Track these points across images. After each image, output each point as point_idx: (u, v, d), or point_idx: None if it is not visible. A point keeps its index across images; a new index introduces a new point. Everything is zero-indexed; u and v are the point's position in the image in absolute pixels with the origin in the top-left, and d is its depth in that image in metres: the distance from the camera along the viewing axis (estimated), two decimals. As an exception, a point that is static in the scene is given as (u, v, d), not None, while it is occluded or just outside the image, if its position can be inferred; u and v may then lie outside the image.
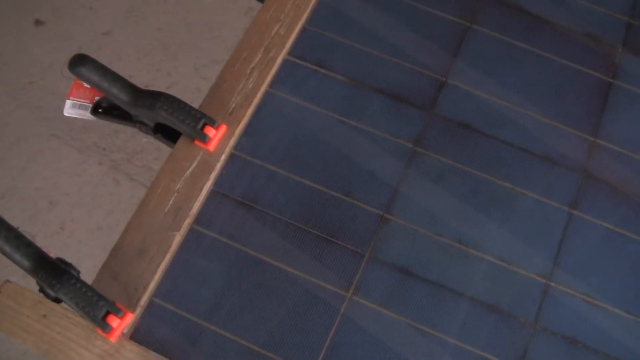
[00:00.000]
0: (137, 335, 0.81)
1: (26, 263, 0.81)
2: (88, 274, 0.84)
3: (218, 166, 0.88)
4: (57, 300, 0.83)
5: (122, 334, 0.80)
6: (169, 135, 0.92)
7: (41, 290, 0.83)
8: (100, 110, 0.98)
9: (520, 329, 0.81)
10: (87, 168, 1.73)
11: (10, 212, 1.51)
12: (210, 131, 0.86)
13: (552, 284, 0.83)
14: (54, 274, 0.80)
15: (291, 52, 0.95)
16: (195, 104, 0.88)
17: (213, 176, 0.88)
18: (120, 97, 0.88)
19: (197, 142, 0.88)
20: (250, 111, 0.90)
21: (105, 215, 1.61)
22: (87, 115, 1.00)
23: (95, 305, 0.78)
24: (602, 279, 0.84)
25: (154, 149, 1.66)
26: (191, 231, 0.85)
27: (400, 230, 0.85)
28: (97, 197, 1.69)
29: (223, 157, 0.88)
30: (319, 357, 0.79)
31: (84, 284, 0.79)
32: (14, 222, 0.83)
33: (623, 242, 0.85)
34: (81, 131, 1.74)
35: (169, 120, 0.86)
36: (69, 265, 0.83)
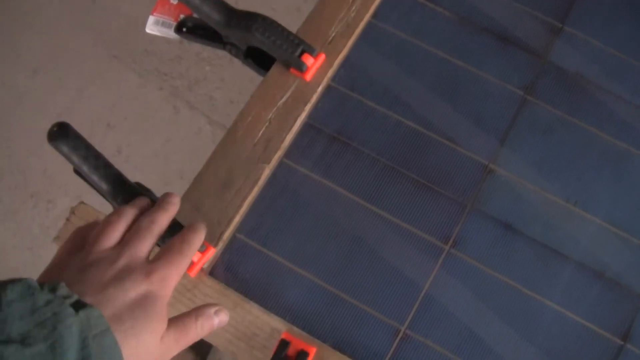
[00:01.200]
0: (217, 271, 0.76)
1: (104, 186, 0.76)
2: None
3: (314, 97, 0.82)
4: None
5: (202, 269, 0.75)
6: (260, 61, 0.86)
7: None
8: (185, 29, 0.92)
9: (627, 300, 0.75)
10: (146, 93, 1.67)
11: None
12: (308, 59, 0.79)
13: (665, 253, 0.76)
14: (132, 197, 0.74)
15: (396, -18, 0.88)
16: (293, 28, 0.82)
17: (308, 108, 0.81)
18: (212, 15, 0.81)
19: (292, 71, 0.81)
20: (351, 42, 0.84)
21: (163, 142, 1.55)
22: (170, 33, 0.93)
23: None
24: None
25: (217, 78, 1.59)
26: (281, 165, 0.80)
27: (505, 183, 0.79)
28: (155, 123, 1.63)
29: (320, 88, 0.82)
30: (412, 309, 0.74)
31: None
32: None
33: None
34: (143, 55, 1.68)
35: (264, 44, 0.79)
36: (148, 190, 0.78)
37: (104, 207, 0.79)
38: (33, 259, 1.61)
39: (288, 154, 0.80)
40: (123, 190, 0.75)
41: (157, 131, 1.64)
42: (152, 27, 0.93)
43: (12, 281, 0.49)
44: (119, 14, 1.71)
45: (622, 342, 0.74)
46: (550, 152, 0.80)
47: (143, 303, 0.55)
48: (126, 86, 1.66)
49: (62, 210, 1.62)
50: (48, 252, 1.61)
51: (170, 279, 0.57)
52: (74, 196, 1.59)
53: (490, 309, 0.74)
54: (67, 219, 0.79)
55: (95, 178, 0.76)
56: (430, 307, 0.74)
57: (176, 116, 1.65)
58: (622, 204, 0.79)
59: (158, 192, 0.74)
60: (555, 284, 0.75)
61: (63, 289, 0.51)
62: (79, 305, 0.51)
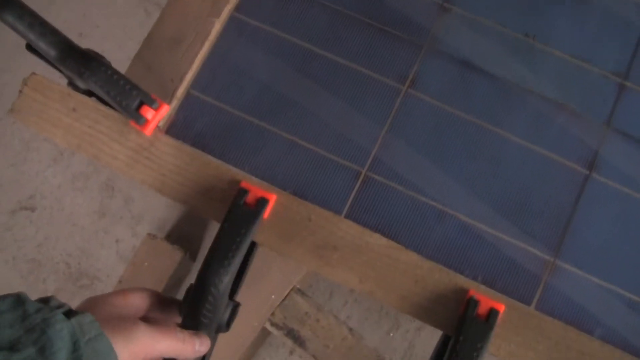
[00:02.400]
0: (173, 129, 0.75)
1: (52, 52, 0.74)
2: (120, 70, 0.76)
3: (260, -51, 0.79)
4: (88, 94, 0.76)
5: (157, 127, 0.74)
6: None
7: (70, 83, 0.77)
8: None
9: (591, 130, 0.74)
10: (116, 0, 1.64)
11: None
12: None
13: (628, 83, 0.75)
14: (83, 61, 0.73)
15: None
16: None
17: (255, -40, 0.79)
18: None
19: None
20: None
21: (136, 46, 1.52)
22: None
23: (128, 95, 0.71)
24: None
25: (186, -23, 1.56)
26: (232, 19, 0.78)
27: (462, 20, 0.77)
28: (127, 29, 1.61)
29: (265, -61, 0.79)
30: (373, 151, 0.73)
31: (115, 71, 0.72)
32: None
33: None
34: (110, -40, 1.64)
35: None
36: (99, 55, 0.76)
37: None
38: (17, 175, 1.61)
39: (238, 7, 0.78)
40: (72, 54, 0.73)
41: (130, 36, 1.61)
42: None
43: (4, 296, 0.51)
44: None
45: (587, 172, 0.73)
46: (508, -11, 0.78)
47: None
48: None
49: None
50: (31, 168, 1.60)
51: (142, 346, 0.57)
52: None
53: (453, 145, 0.73)
54: (20, 91, 0.77)
55: (42, 45, 0.74)
56: (390, 148, 0.73)
57: (148, 19, 1.62)
58: (584, 35, 0.77)
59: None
60: (517, 118, 0.74)
61: (54, 301, 0.52)
62: (71, 313, 0.52)
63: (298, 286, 1.28)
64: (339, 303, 1.45)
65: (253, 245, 0.72)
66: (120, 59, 1.53)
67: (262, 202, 0.69)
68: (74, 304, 0.57)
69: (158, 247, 1.42)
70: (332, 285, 1.46)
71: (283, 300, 1.25)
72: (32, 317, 0.50)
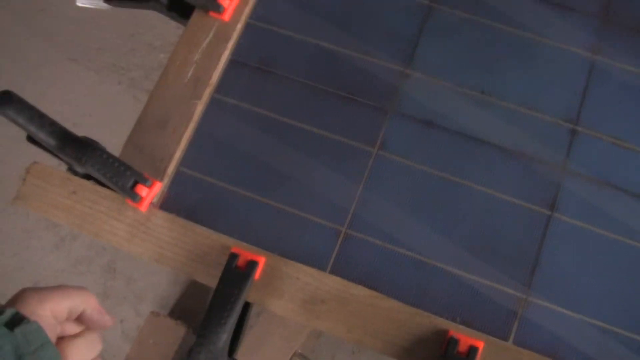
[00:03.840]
0: (166, 204, 0.81)
1: (52, 141, 0.81)
2: (113, 153, 0.83)
3: (234, 35, 0.87)
4: (87, 177, 0.83)
5: (152, 203, 0.81)
6: (183, 12, 0.91)
7: (69, 168, 0.84)
8: (112, -3, 0.97)
9: (549, 173, 0.80)
10: (106, 88, 1.73)
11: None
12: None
13: (579, 128, 0.82)
14: (80, 148, 0.80)
15: None
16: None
17: (230, 45, 0.87)
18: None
19: (211, 13, 0.87)
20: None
21: (127, 130, 1.60)
22: (100, 4, 0.99)
23: (123, 175, 0.78)
24: (630, 122, 0.83)
25: (171, 63, 1.65)
26: (212, 100, 0.85)
27: (421, 84, 0.84)
28: (118, 115, 1.69)
29: (239, 26, 0.87)
30: (350, 210, 0.79)
31: (110, 155, 0.79)
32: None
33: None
34: (97, 53, 1.74)
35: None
36: (94, 141, 0.83)
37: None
38: (20, 263, 1.66)
39: (217, 89, 0.85)
40: (70, 142, 0.80)
41: (122, 121, 1.69)
42: (82, 0, 0.99)
43: None
44: (68, 18, 1.77)
45: (549, 212, 0.79)
46: (461, 51, 0.86)
47: None
48: (86, 85, 1.72)
49: (39, 216, 1.67)
50: (34, 255, 1.66)
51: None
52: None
53: (423, 199, 0.80)
54: (24, 180, 0.84)
55: (42, 136, 0.81)
56: (367, 205, 0.80)
57: (137, 105, 1.70)
58: (533, 87, 0.84)
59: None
60: (479, 168, 0.81)
61: None
62: (15, 322, 0.50)
63: (300, 351, 1.33)
64: (341, 362, 1.49)
65: (247, 305, 0.78)
66: (113, 144, 1.61)
67: (252, 265, 0.75)
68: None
69: (162, 324, 1.47)
70: (334, 349, 1.51)
71: (286, 365, 1.29)
72: None
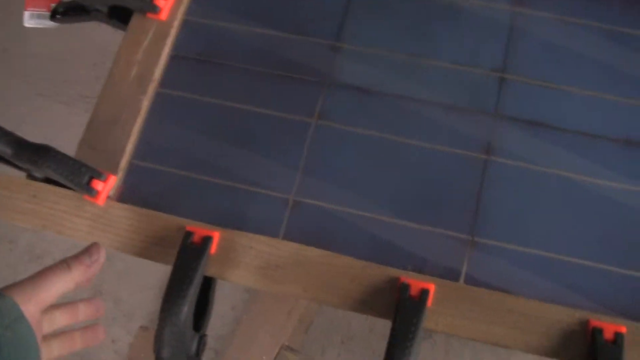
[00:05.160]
0: (122, 195, 0.85)
1: (9, 150, 0.85)
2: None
3: (173, 32, 0.91)
4: (46, 181, 0.87)
5: (109, 197, 0.84)
6: (124, 18, 0.95)
7: (28, 175, 0.87)
8: (58, 15, 1.02)
9: (482, 121, 0.84)
10: (77, 119, 1.77)
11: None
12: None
13: (507, 75, 0.86)
14: (35, 152, 0.83)
15: None
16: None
17: (169, 42, 0.91)
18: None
19: (149, 15, 0.91)
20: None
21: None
22: (47, 23, 1.03)
23: (78, 172, 0.82)
24: (556, 66, 0.87)
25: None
26: (157, 94, 0.89)
27: (355, 55, 0.88)
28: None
29: (176, 23, 0.92)
30: (296, 178, 0.83)
31: (65, 155, 0.83)
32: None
33: (572, 30, 0.88)
34: (63, 85, 1.78)
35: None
36: (48, 146, 0.87)
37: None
38: None
39: (161, 84, 0.90)
40: (25, 148, 0.84)
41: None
42: (29, 21, 1.03)
43: None
44: (32, 55, 1.82)
45: (485, 156, 0.83)
46: (388, 20, 0.90)
47: None
48: (57, 117, 1.76)
49: (25, 246, 1.70)
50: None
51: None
52: (34, 231, 1.68)
53: (365, 161, 0.83)
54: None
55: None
56: (312, 173, 0.83)
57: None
58: (462, 44, 0.88)
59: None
60: (417, 126, 0.85)
61: None
62: None
63: (288, 344, 1.35)
64: (332, 356, 1.52)
65: (210, 281, 0.81)
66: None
67: (206, 240, 0.79)
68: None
69: (152, 337, 1.49)
70: (323, 342, 1.53)
71: (274, 359, 1.32)
72: None
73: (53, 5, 1.02)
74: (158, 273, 1.58)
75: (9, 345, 0.48)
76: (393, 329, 0.72)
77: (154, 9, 0.90)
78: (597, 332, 0.72)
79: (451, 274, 0.78)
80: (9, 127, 0.82)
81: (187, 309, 0.74)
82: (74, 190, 0.83)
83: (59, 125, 1.78)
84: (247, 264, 0.79)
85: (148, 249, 0.82)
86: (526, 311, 0.75)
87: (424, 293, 0.75)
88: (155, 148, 0.87)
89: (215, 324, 1.50)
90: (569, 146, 0.83)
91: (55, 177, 0.83)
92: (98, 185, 0.82)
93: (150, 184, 0.85)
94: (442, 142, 0.84)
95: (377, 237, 0.80)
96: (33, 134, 1.76)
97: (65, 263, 0.67)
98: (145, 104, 0.88)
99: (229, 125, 0.87)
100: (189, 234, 0.79)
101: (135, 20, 0.92)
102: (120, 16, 0.96)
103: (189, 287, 0.75)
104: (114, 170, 0.85)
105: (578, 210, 0.80)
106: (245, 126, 0.86)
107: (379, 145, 0.84)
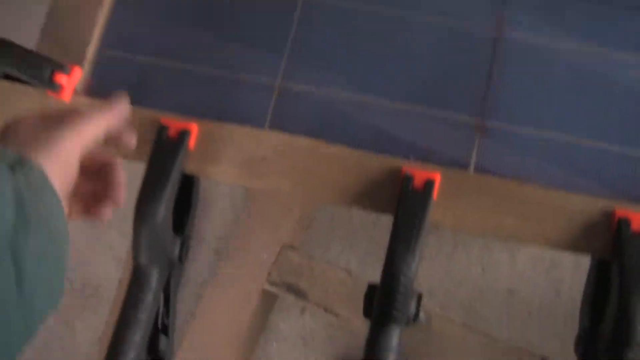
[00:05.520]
0: (90, 89, 0.76)
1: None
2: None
3: None
4: (6, 77, 0.78)
5: (75, 91, 0.75)
6: None
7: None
8: None
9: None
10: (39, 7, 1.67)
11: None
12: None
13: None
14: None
15: None
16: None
17: None
18: None
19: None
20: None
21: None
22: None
23: (39, 66, 0.73)
24: None
25: None
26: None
27: None
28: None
29: None
30: (282, 63, 0.74)
31: (23, 48, 0.74)
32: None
33: None
34: None
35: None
36: (6, 39, 0.77)
37: None
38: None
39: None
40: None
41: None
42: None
43: None
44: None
45: (496, 33, 0.73)
46: None
47: None
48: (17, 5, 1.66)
49: None
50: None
51: None
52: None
53: (358, 39, 0.74)
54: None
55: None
56: (300, 56, 0.74)
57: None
58: None
59: None
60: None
61: None
62: (17, 165, 0.47)
63: (290, 242, 1.29)
64: (336, 252, 1.46)
65: (191, 180, 0.73)
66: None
67: (184, 133, 0.70)
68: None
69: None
70: (327, 238, 1.47)
71: (276, 258, 1.26)
72: None
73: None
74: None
75: (36, 213, 0.45)
76: (395, 225, 0.65)
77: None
78: (624, 223, 0.64)
79: (459, 163, 0.70)
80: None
81: (163, 209, 0.67)
82: (35, 86, 0.74)
83: (21, 14, 1.67)
84: (230, 159, 0.71)
85: (120, 147, 0.73)
86: (543, 200, 0.67)
87: (429, 184, 0.66)
88: (125, 35, 0.78)
89: (215, 224, 1.44)
90: (591, 15, 0.73)
91: (14, 72, 0.74)
92: (62, 79, 0.73)
93: (120, 75, 0.77)
94: (448, 14, 0.74)
95: (375, 124, 0.72)
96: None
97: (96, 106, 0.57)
98: (111, -16, 0.78)
99: (206, 4, 0.77)
100: (163, 128, 0.71)
101: None
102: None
103: (165, 185, 0.67)
104: (80, 62, 0.76)
105: (595, 88, 0.71)
106: (225, 4, 0.76)
107: (375, 20, 0.74)
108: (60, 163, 0.52)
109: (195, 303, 1.33)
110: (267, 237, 1.27)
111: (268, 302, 1.37)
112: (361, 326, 1.20)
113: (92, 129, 0.55)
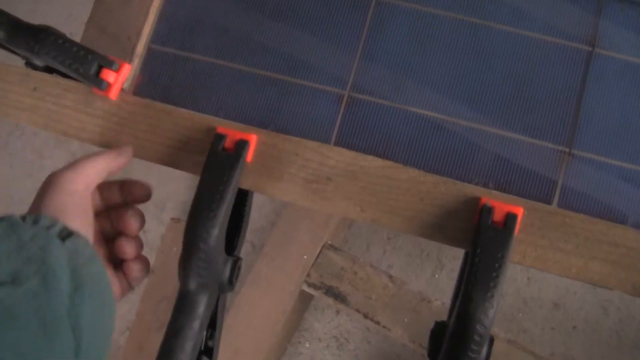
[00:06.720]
0: (139, 88, 0.70)
1: (1, 33, 0.69)
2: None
3: None
4: (48, 70, 0.72)
5: (123, 89, 0.69)
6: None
7: (27, 63, 0.72)
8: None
9: (586, 6, 0.66)
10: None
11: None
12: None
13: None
14: (32, 35, 0.68)
15: None
16: None
17: None
18: None
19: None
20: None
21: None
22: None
23: (84, 61, 0.67)
24: None
25: None
26: (180, -38, 0.72)
27: None
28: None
29: None
30: (352, 71, 0.67)
31: (67, 39, 0.68)
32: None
33: None
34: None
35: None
36: (50, 28, 0.71)
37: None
38: (35, 184, 1.58)
39: (185, -52, 0.72)
40: (21, 31, 0.69)
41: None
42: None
43: None
44: None
45: (590, 48, 0.66)
46: None
47: None
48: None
49: (47, 134, 1.59)
50: (47, 173, 1.57)
51: None
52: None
53: (436, 48, 0.67)
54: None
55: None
56: (371, 64, 0.67)
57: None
58: None
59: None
60: (502, 5, 0.67)
61: (45, 220, 0.51)
62: (64, 235, 0.51)
63: (330, 242, 1.23)
64: (378, 253, 1.40)
65: (245, 194, 0.67)
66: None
67: (242, 144, 0.64)
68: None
69: (183, 230, 1.38)
70: (368, 237, 1.42)
71: (316, 259, 1.20)
72: (28, 245, 0.48)
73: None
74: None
75: (87, 283, 0.49)
76: (472, 263, 0.58)
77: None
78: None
79: (543, 195, 0.63)
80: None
81: (218, 232, 0.61)
82: (81, 82, 0.68)
83: (81, 1, 1.62)
84: (292, 176, 0.64)
85: (170, 154, 0.67)
86: (635, 245, 0.60)
87: (511, 219, 0.59)
88: (179, 29, 0.71)
89: (253, 216, 1.39)
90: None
91: (58, 66, 0.67)
92: (109, 76, 0.67)
93: (172, 72, 0.70)
94: (535, 27, 0.66)
95: (453, 146, 0.65)
96: (53, 9, 1.60)
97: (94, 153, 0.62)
98: (166, -27, 0.71)
99: (265, 6, 0.70)
100: (220, 137, 0.64)
101: None
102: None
103: (220, 206, 0.61)
104: (129, 58, 0.70)
105: None
106: (286, 6, 0.70)
107: (457, 29, 0.67)
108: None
109: (230, 296, 1.28)
110: (308, 237, 1.21)
111: (305, 301, 1.32)
112: (401, 335, 1.15)
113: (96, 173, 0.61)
